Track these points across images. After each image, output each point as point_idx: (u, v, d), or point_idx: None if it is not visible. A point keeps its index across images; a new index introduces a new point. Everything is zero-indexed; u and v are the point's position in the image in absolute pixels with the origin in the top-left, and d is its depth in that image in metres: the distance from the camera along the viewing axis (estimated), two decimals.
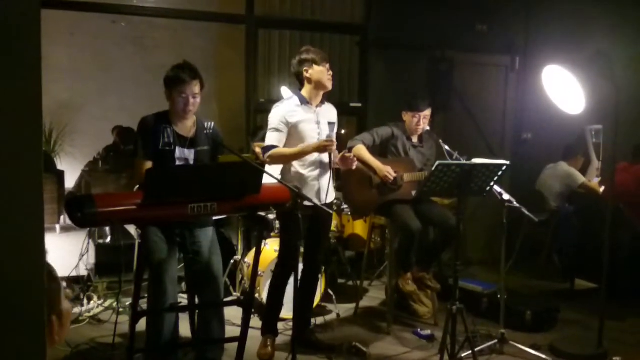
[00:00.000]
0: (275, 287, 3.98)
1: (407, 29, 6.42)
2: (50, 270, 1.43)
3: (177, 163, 3.36)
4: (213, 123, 3.56)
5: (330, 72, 3.84)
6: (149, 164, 3.30)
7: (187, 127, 3.44)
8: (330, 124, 3.87)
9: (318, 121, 3.85)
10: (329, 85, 3.83)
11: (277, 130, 3.78)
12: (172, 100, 3.38)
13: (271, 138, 3.79)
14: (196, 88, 3.38)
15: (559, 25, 6.37)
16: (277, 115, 3.80)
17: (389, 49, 6.60)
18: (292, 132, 3.79)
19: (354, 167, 3.91)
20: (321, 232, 4.02)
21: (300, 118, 3.80)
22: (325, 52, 3.98)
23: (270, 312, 4.04)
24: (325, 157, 3.87)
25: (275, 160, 3.81)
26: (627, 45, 5.64)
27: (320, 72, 3.79)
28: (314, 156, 3.82)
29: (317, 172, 3.85)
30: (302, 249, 4.00)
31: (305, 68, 3.80)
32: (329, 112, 3.96)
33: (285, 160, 3.82)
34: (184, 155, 3.39)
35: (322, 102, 3.90)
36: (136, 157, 3.38)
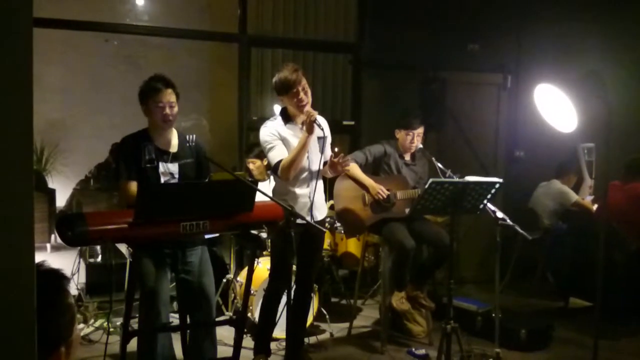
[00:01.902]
0: (268, 306, 3.94)
1: (400, 48, 6.46)
2: (68, 299, 1.38)
3: (162, 178, 3.31)
4: (195, 136, 3.50)
5: (304, 90, 3.67)
6: (134, 185, 3.25)
7: (167, 141, 3.40)
8: (319, 138, 3.77)
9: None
10: (300, 110, 3.68)
11: (274, 145, 3.72)
12: (149, 112, 3.34)
13: (274, 155, 3.71)
14: (171, 96, 3.33)
15: (551, 44, 6.42)
16: (267, 133, 3.74)
17: (382, 67, 6.62)
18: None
19: (342, 169, 3.81)
20: (314, 250, 3.98)
21: (286, 135, 3.75)
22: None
23: (262, 332, 3.99)
24: (316, 171, 3.81)
25: (287, 171, 3.65)
26: (618, 65, 5.69)
27: (290, 102, 3.69)
28: (304, 173, 3.77)
29: (307, 189, 3.79)
30: (294, 268, 3.96)
31: (279, 97, 3.76)
32: (316, 128, 3.70)
33: (294, 164, 3.64)
34: (168, 169, 3.34)
35: None
36: (121, 180, 3.31)
